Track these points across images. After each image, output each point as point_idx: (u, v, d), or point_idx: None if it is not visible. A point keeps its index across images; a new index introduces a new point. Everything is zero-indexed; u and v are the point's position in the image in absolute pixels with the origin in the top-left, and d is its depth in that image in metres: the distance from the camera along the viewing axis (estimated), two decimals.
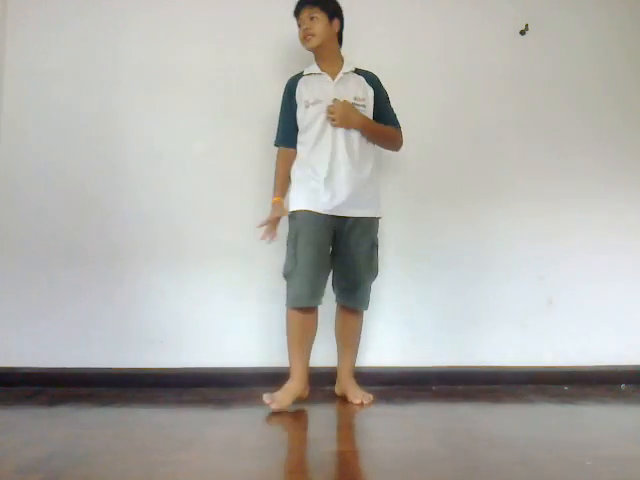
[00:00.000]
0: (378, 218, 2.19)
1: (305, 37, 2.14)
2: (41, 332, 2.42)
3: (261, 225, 2.11)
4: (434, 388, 2.37)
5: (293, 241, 2.07)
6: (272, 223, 2.12)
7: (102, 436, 1.63)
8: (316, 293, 2.05)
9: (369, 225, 2.15)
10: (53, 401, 2.09)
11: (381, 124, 2.17)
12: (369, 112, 2.16)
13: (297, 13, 2.17)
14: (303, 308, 2.04)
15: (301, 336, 2.07)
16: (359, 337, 2.22)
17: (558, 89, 2.69)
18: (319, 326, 2.09)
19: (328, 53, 2.18)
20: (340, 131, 2.09)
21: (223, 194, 2.52)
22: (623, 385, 2.46)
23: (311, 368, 2.14)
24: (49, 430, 1.68)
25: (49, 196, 2.48)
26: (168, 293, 2.47)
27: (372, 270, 2.17)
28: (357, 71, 2.20)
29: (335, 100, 2.08)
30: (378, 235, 2.19)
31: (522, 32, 2.67)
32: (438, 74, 2.64)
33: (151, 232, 2.49)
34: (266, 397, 1.98)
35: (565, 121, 2.68)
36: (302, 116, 2.14)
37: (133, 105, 2.54)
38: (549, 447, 1.52)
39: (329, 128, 2.09)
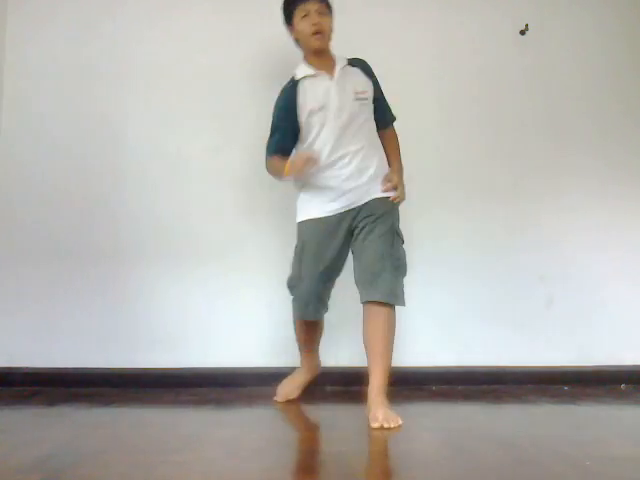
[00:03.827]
0: (393, 201, 2.01)
1: (316, 34, 1.99)
2: (41, 332, 2.41)
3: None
4: (434, 388, 2.37)
5: (299, 254, 2.04)
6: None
7: (102, 436, 1.63)
8: (320, 308, 2.06)
9: (381, 206, 1.98)
10: (53, 401, 2.09)
11: (397, 157, 2.11)
12: (370, 104, 2.06)
13: (299, 2, 2.00)
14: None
15: (310, 339, 2.14)
16: (389, 345, 1.89)
17: (558, 89, 2.69)
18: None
19: (324, 52, 2.07)
20: (335, 132, 1.98)
21: (224, 194, 2.52)
22: (623, 385, 2.46)
23: None
24: (49, 430, 1.68)
25: (49, 196, 2.48)
26: (168, 293, 2.47)
27: (394, 258, 1.92)
28: (349, 62, 2.09)
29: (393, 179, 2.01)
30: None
31: (522, 32, 2.67)
32: (438, 74, 2.64)
33: (151, 232, 2.48)
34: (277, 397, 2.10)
35: (565, 121, 2.68)
36: (306, 126, 2.01)
37: (133, 105, 2.54)
38: (549, 447, 1.52)
39: (328, 131, 1.98)
